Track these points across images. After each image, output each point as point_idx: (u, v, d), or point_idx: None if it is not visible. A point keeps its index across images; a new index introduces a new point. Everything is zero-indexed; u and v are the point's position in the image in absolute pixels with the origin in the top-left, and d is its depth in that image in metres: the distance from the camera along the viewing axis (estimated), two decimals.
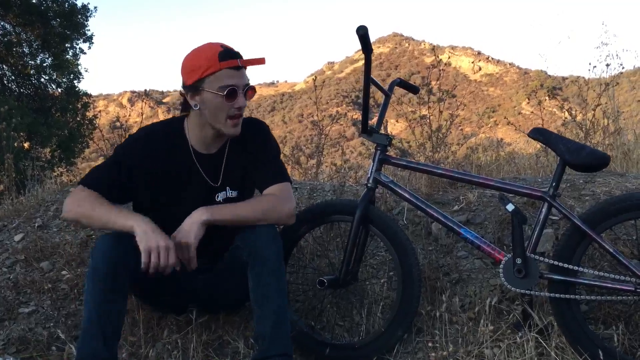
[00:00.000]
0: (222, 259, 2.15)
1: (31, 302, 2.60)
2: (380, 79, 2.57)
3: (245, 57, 1.97)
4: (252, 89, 2.02)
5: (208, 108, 1.97)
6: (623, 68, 4.52)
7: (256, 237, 1.95)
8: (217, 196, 2.12)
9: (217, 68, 1.92)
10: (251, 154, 2.12)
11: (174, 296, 2.19)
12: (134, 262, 1.84)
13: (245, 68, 1.99)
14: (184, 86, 2.00)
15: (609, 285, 1.98)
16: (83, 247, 2.90)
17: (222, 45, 1.96)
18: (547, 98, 5.45)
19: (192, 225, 1.90)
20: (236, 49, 1.99)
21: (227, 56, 1.94)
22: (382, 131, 2.38)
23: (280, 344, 1.86)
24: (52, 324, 2.46)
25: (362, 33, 1.94)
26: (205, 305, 2.26)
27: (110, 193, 1.97)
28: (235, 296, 2.18)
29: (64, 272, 2.72)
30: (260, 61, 1.97)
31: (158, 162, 2.04)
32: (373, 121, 2.40)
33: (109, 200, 1.94)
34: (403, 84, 2.57)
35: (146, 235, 1.81)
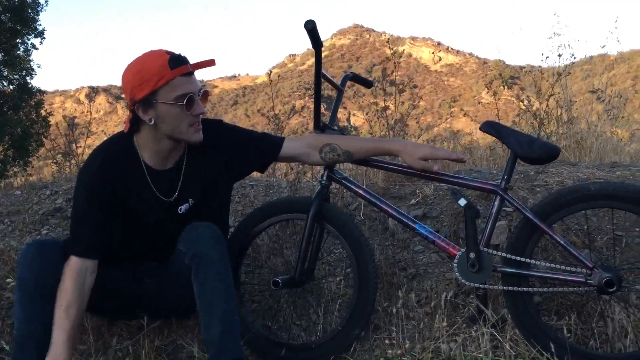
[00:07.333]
0: (168, 263, 2.06)
1: None
2: (342, 70, 2.52)
3: (191, 61, 1.84)
4: (206, 93, 1.92)
5: (166, 121, 1.84)
6: (575, 58, 4.60)
7: (197, 238, 1.87)
8: (180, 209, 2.02)
9: (171, 76, 1.77)
10: (225, 155, 2.04)
11: (118, 303, 2.10)
12: (62, 269, 1.79)
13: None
14: (133, 102, 1.83)
15: (561, 277, 2.00)
16: None
17: (168, 52, 1.81)
18: (504, 88, 5.52)
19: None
20: (181, 54, 1.85)
21: (178, 63, 1.79)
22: (336, 127, 2.34)
23: (230, 350, 1.80)
24: None
25: (311, 27, 1.90)
26: (153, 311, 2.17)
27: (103, 246, 1.90)
28: (182, 302, 2.07)
29: (8, 280, 2.59)
30: (210, 63, 1.84)
31: (118, 186, 1.93)
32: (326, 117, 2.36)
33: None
34: (356, 78, 2.53)
35: None
